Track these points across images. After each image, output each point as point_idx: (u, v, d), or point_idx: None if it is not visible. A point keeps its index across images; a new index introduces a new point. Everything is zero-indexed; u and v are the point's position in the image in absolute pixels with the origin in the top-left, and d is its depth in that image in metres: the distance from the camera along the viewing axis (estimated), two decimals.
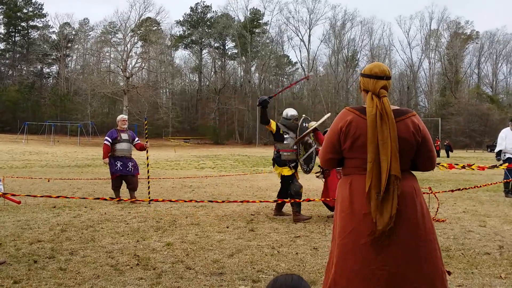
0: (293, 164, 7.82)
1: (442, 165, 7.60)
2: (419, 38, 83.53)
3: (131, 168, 9.91)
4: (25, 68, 79.36)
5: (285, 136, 7.83)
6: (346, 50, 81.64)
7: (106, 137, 10.09)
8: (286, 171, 7.78)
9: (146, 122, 11.30)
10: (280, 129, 7.87)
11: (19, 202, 5.14)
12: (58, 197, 5.34)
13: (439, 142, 42.97)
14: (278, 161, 7.84)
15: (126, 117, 10.50)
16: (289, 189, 7.78)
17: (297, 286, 1.61)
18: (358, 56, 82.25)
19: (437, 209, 7.93)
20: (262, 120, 7.78)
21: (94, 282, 4.36)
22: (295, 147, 7.80)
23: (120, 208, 9.12)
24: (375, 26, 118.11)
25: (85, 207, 9.11)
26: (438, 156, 38.53)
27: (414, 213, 2.70)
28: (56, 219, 7.62)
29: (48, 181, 13.93)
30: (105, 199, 5.34)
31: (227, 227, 7.05)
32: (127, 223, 7.35)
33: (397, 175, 2.67)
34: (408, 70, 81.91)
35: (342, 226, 2.77)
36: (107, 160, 9.96)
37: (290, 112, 8.11)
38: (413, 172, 2.92)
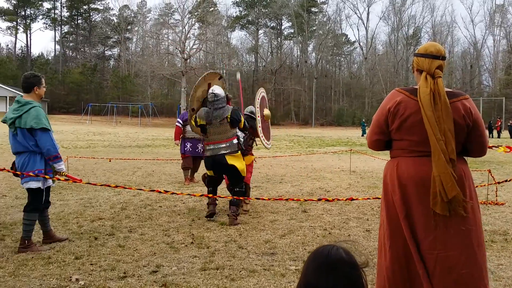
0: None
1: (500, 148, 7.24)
2: (483, 14, 79.48)
3: (200, 150, 10.04)
4: (88, 50, 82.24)
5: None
6: (406, 27, 79.00)
7: (178, 119, 10.39)
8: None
9: None
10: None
11: (80, 181, 5.38)
12: (116, 186, 5.57)
13: (500, 122, 41.05)
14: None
15: None
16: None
17: (338, 258, 1.58)
18: (420, 34, 79.31)
19: (496, 192, 7.63)
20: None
21: (150, 259, 4.54)
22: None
23: (177, 187, 9.39)
24: (437, 2, 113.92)
25: (144, 186, 9.45)
26: (498, 137, 36.91)
27: (464, 197, 2.62)
28: (116, 198, 7.95)
29: (110, 161, 14.49)
30: (160, 192, 5.51)
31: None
32: (184, 202, 7.56)
33: (452, 158, 2.59)
34: (471, 48, 78.22)
35: (392, 210, 2.73)
36: (178, 141, 10.24)
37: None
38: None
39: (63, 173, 4.91)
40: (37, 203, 4.81)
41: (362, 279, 1.57)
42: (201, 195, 5.49)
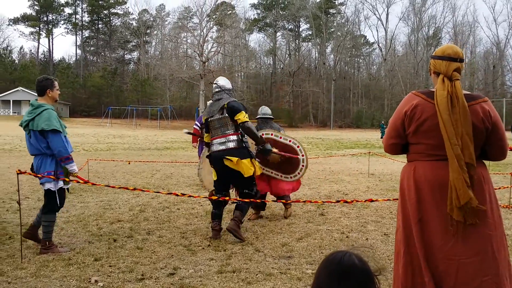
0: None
1: None
2: (506, 14, 78.22)
3: None
4: (108, 54, 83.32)
5: None
6: (426, 28, 78.16)
7: (196, 122, 10.45)
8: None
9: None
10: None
11: (86, 181, 5.41)
12: (134, 189, 5.63)
13: None
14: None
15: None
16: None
17: (351, 264, 1.56)
18: (440, 34, 78.31)
19: None
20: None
21: (168, 261, 4.58)
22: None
23: (195, 190, 9.44)
24: (459, 2, 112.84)
25: (163, 188, 9.53)
26: None
27: (483, 201, 2.59)
28: (135, 200, 8.04)
29: (129, 163, 14.65)
30: (177, 195, 5.51)
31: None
32: (201, 205, 7.60)
33: (471, 162, 2.56)
34: (494, 48, 76.97)
35: (408, 215, 2.72)
36: (195, 144, 10.29)
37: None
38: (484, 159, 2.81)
39: (75, 174, 4.99)
40: (51, 204, 4.89)
41: (375, 286, 1.56)
42: (217, 198, 5.47)
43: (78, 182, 5.30)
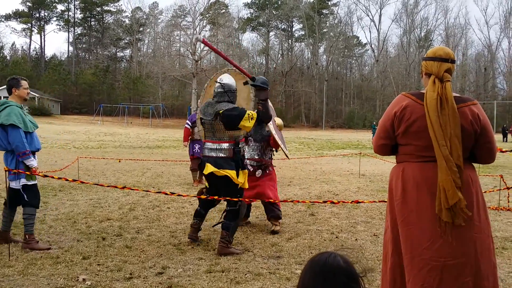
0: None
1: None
2: (498, 16, 78.73)
3: None
4: (100, 52, 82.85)
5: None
6: (418, 30, 78.50)
7: (187, 121, 10.45)
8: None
9: None
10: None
11: (43, 176, 5.37)
12: (124, 187, 5.55)
13: None
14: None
15: None
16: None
17: (336, 265, 1.57)
18: (432, 36, 78.73)
19: (508, 198, 7.56)
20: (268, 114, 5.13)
21: (156, 260, 4.56)
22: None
23: (186, 188, 9.42)
24: (451, 4, 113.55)
25: (153, 187, 9.49)
26: None
27: (470, 203, 2.60)
28: (125, 198, 8.00)
29: (120, 161, 14.59)
30: (166, 194, 5.45)
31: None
32: (191, 204, 7.58)
33: (458, 164, 2.57)
34: (485, 51, 77.40)
35: (394, 216, 2.73)
36: (186, 143, 10.30)
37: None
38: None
39: (33, 169, 5.01)
40: (27, 198, 4.94)
41: (360, 287, 1.56)
42: (206, 197, 5.36)
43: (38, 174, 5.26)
